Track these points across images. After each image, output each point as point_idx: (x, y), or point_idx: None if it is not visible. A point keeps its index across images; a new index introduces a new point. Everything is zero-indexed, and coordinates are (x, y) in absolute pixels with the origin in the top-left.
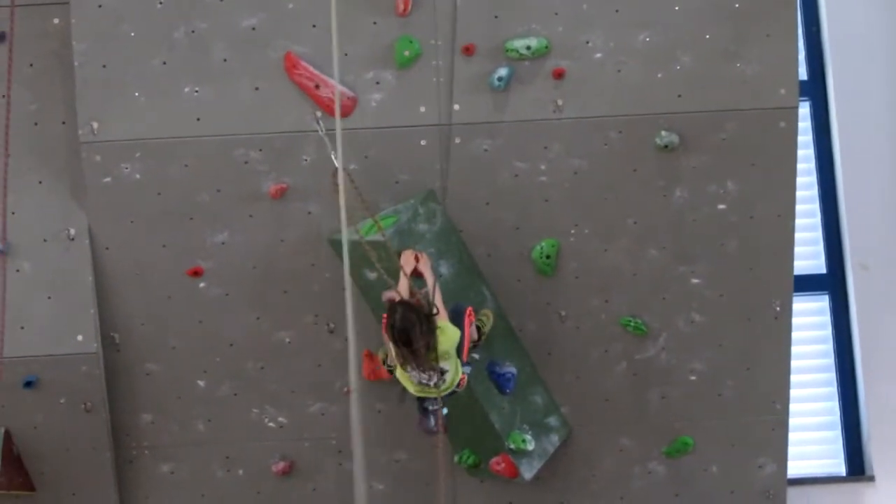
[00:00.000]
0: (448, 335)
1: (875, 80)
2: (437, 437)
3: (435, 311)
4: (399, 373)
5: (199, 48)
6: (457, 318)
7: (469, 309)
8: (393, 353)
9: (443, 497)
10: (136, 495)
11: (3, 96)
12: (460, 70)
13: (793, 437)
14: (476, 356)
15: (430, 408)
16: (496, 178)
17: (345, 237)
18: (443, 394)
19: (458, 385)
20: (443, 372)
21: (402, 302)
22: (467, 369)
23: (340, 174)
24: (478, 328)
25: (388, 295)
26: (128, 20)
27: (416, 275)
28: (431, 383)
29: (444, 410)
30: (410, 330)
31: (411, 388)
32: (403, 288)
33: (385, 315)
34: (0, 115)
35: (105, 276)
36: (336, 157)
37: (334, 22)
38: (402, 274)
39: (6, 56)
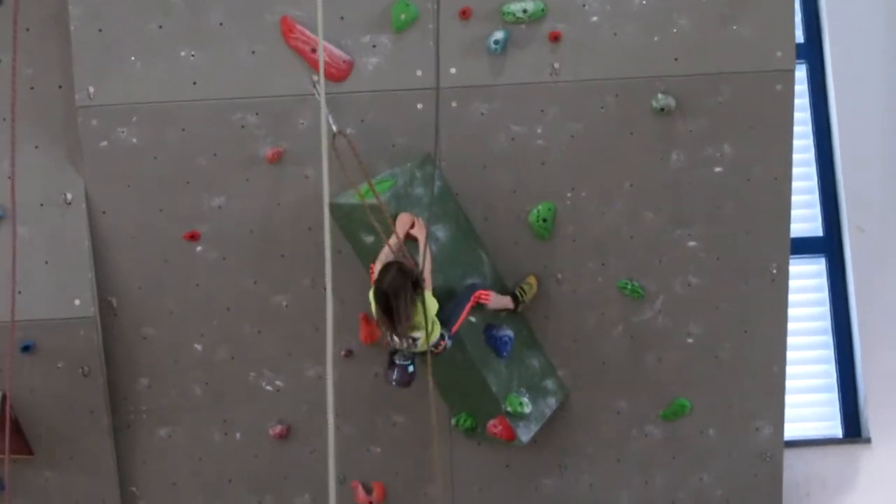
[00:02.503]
0: (428, 306)
1: (871, 42)
2: (431, 402)
3: (422, 280)
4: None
5: (196, 12)
6: (463, 296)
7: (478, 293)
8: (372, 308)
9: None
10: (133, 459)
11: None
12: (457, 34)
13: (789, 399)
14: (473, 319)
15: (398, 362)
16: (493, 141)
17: None
18: (410, 352)
19: (436, 348)
20: (414, 339)
21: (396, 265)
22: (449, 342)
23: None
24: (515, 296)
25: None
26: None
27: (410, 238)
28: (402, 348)
29: (411, 368)
30: (395, 295)
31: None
32: (392, 247)
33: (372, 266)
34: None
35: (102, 241)
36: (332, 121)
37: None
38: (394, 235)
39: (4, 21)
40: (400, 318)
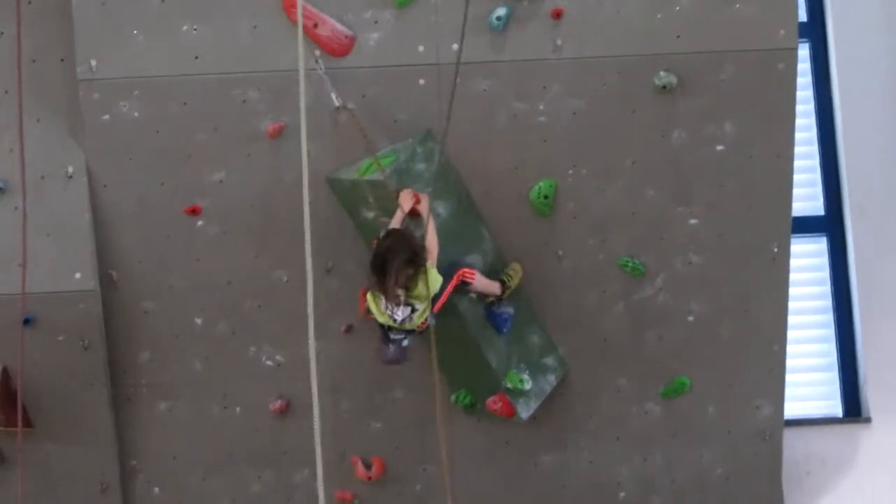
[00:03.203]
0: (430, 280)
1: (874, 21)
2: (435, 379)
3: (426, 253)
4: (369, 296)
5: None
6: (447, 272)
7: (462, 271)
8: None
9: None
10: (133, 433)
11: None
12: (459, 9)
13: (790, 378)
14: (473, 295)
15: (393, 338)
16: (494, 118)
17: None
18: (403, 328)
19: (419, 327)
20: (413, 310)
21: (398, 231)
22: (431, 320)
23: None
24: (502, 282)
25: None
26: None
27: (414, 215)
28: (398, 318)
29: (406, 342)
30: (390, 259)
31: (378, 315)
32: (397, 225)
33: (374, 241)
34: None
35: (103, 214)
36: (336, 97)
37: None
38: (398, 211)
39: None
40: (392, 280)
